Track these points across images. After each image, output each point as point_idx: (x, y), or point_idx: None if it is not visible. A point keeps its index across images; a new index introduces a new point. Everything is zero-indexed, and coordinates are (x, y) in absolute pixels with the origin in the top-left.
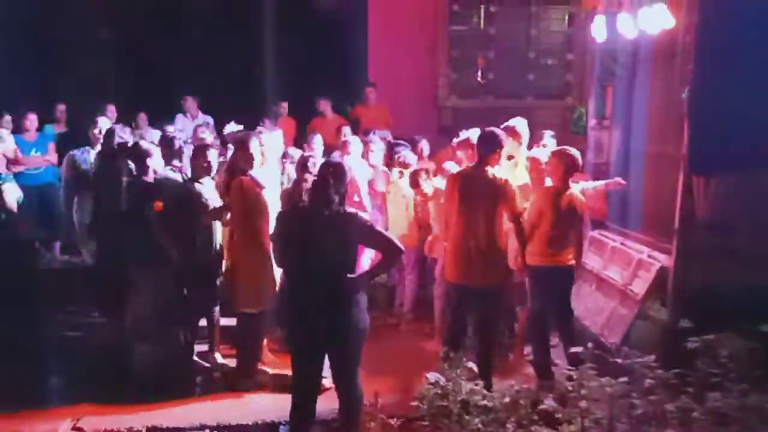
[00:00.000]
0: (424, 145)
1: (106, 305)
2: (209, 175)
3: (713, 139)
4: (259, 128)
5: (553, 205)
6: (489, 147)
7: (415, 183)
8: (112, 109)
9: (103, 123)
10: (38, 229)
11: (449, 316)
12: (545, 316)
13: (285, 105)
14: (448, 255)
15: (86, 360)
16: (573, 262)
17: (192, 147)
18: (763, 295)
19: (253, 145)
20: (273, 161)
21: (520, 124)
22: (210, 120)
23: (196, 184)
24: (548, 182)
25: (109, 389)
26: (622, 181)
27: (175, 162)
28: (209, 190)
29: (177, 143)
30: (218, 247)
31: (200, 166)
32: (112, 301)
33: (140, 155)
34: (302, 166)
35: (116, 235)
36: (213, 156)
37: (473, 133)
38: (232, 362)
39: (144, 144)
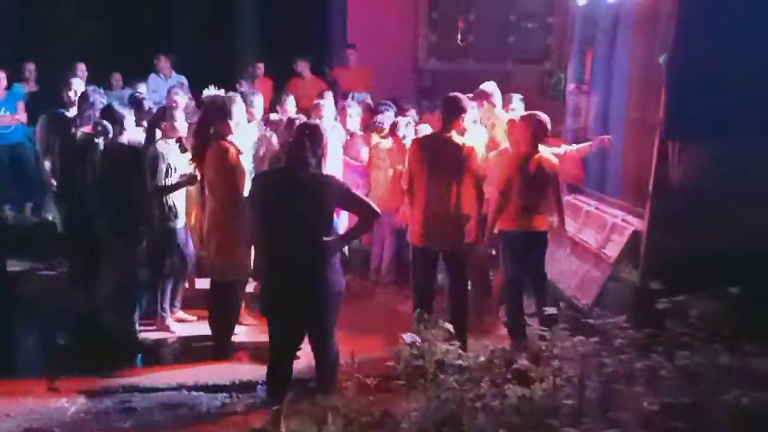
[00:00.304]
0: (412, 115)
1: (76, 271)
2: (174, 136)
3: (689, 104)
4: (238, 90)
5: (520, 169)
6: (452, 112)
7: (393, 130)
8: (82, 68)
9: (77, 85)
10: (9, 189)
11: (417, 279)
12: (519, 281)
13: (261, 66)
14: (413, 219)
15: (58, 325)
16: (546, 227)
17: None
18: (733, 258)
19: (236, 110)
20: (251, 124)
21: (491, 87)
22: (184, 80)
23: (161, 145)
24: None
25: (83, 356)
26: (606, 139)
27: (144, 124)
28: (175, 153)
29: (146, 104)
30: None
31: (167, 127)
32: (82, 267)
33: (115, 119)
34: (289, 128)
35: (89, 201)
36: (180, 117)
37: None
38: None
39: (117, 107)
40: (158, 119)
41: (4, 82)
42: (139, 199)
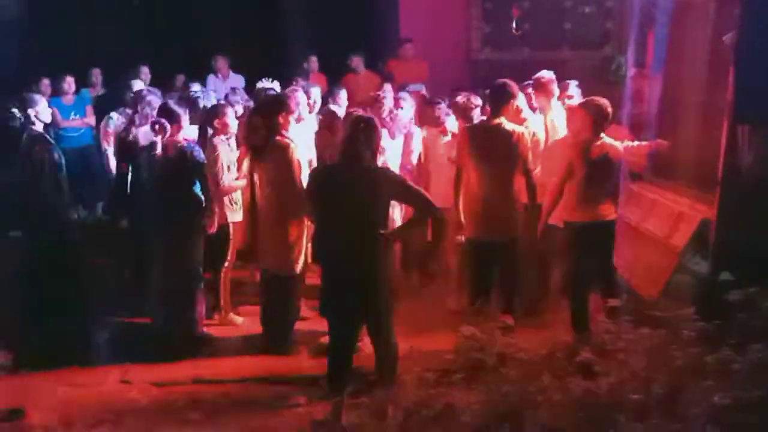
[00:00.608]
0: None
1: (142, 266)
2: (227, 134)
3: (760, 86)
4: (294, 86)
5: (583, 157)
6: (500, 99)
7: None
8: (145, 71)
9: (137, 85)
10: (80, 190)
11: (472, 272)
12: (585, 272)
13: (315, 59)
14: (465, 211)
15: (127, 318)
16: (613, 216)
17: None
18: None
19: (294, 104)
20: (311, 117)
21: (549, 75)
22: (241, 80)
23: (217, 142)
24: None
25: (153, 348)
26: (664, 142)
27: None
28: (227, 150)
29: (201, 103)
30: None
31: (219, 125)
32: (147, 263)
33: (172, 116)
34: (346, 122)
35: (150, 197)
36: (231, 114)
37: (546, 73)
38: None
39: (173, 105)
40: (210, 117)
41: (73, 87)
42: (196, 194)
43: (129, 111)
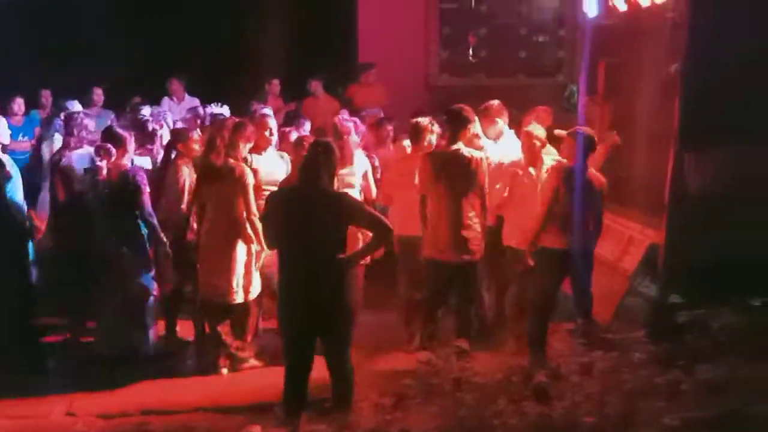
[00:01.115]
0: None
1: (86, 290)
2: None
3: (703, 113)
4: (253, 109)
5: (568, 184)
6: (458, 124)
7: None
8: (98, 93)
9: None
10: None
11: (429, 294)
12: (554, 298)
13: (277, 83)
14: (425, 232)
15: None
16: (594, 244)
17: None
18: (752, 269)
19: (250, 131)
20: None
21: (496, 103)
22: (197, 103)
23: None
24: (547, 160)
25: (96, 374)
26: (615, 138)
27: (148, 146)
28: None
29: (150, 126)
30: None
31: (182, 148)
32: (91, 287)
33: (117, 140)
34: (299, 147)
35: (83, 224)
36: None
37: (495, 103)
38: None
39: (118, 129)
40: (175, 140)
41: (23, 108)
42: (137, 217)
43: (62, 134)
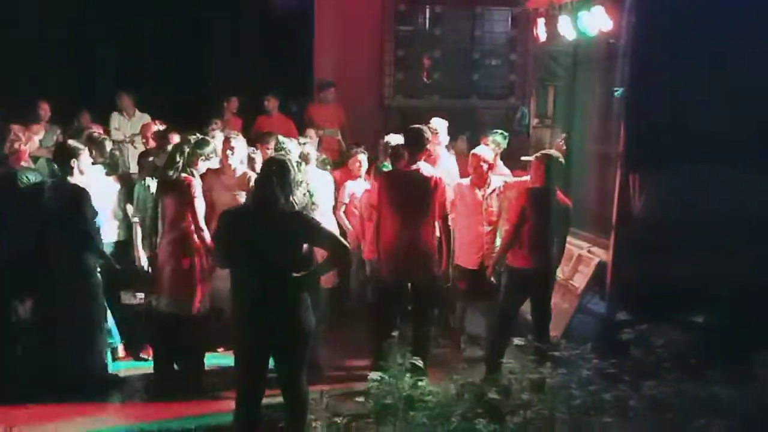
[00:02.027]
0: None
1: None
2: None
3: (648, 137)
4: (212, 128)
5: (538, 205)
6: (416, 144)
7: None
8: (45, 107)
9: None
10: None
11: (384, 313)
12: (514, 317)
13: (235, 100)
14: (382, 252)
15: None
16: (558, 263)
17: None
18: (696, 287)
19: (209, 149)
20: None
21: (438, 123)
22: (148, 118)
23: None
24: (495, 180)
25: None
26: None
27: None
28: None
29: (108, 144)
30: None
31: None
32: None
33: (65, 156)
34: (250, 164)
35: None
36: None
37: (436, 122)
38: None
39: (71, 143)
40: (147, 155)
41: None
42: (86, 232)
43: None
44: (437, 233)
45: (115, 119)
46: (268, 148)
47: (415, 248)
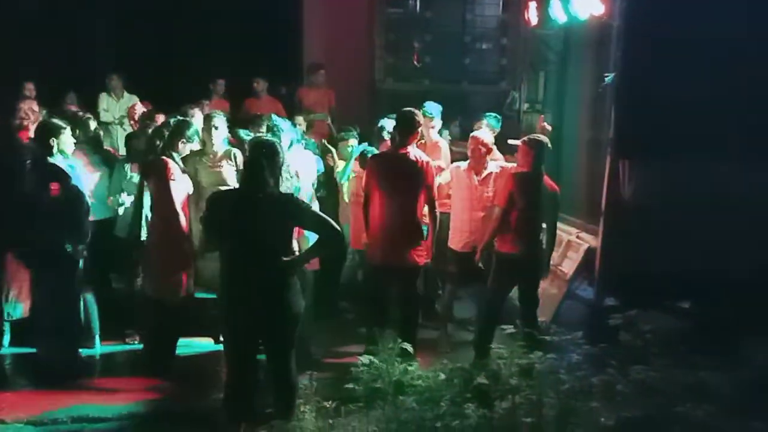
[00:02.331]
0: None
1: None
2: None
3: (638, 124)
4: (193, 110)
5: (526, 190)
6: (406, 127)
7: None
8: (30, 87)
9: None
10: None
11: (372, 297)
12: (502, 302)
13: (222, 83)
14: (370, 237)
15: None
16: (549, 250)
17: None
18: (683, 274)
19: (190, 131)
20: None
21: (432, 107)
22: (136, 99)
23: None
24: (491, 165)
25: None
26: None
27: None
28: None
29: (92, 124)
30: None
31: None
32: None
33: (44, 134)
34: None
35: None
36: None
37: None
38: None
39: (53, 122)
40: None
41: None
42: (71, 217)
43: None
44: (425, 217)
45: (104, 100)
46: (260, 131)
47: (402, 231)
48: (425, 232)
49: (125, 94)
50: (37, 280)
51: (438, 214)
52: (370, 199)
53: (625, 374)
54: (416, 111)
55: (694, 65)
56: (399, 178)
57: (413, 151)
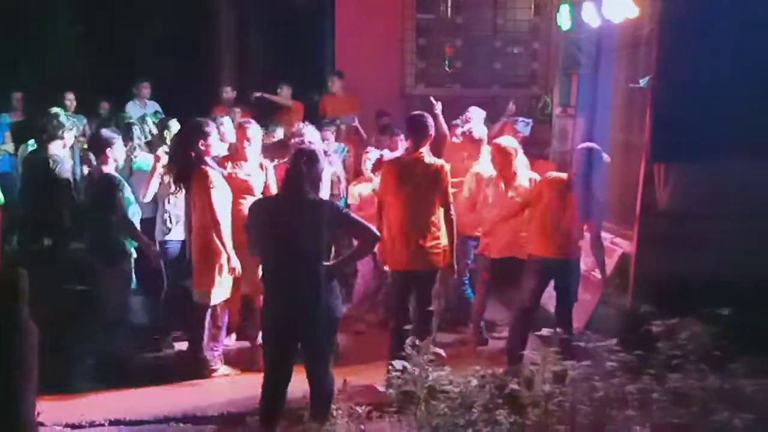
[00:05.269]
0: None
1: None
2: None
3: (674, 127)
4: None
5: (562, 194)
6: (419, 131)
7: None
8: (70, 97)
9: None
10: None
11: (394, 303)
12: (535, 307)
13: (229, 89)
14: (388, 243)
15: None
16: (579, 254)
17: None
18: (721, 280)
19: (214, 133)
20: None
21: (475, 112)
22: (157, 107)
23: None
24: (522, 175)
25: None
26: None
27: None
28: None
29: (135, 131)
30: None
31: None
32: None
33: (100, 145)
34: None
35: (75, 230)
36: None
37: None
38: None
39: (105, 133)
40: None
41: None
42: (116, 221)
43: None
44: (441, 220)
45: (130, 108)
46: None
47: (418, 236)
48: (441, 235)
49: (147, 101)
50: (95, 279)
51: (454, 217)
52: (385, 204)
53: (662, 382)
54: (426, 114)
55: (733, 67)
56: (413, 182)
57: (428, 156)
